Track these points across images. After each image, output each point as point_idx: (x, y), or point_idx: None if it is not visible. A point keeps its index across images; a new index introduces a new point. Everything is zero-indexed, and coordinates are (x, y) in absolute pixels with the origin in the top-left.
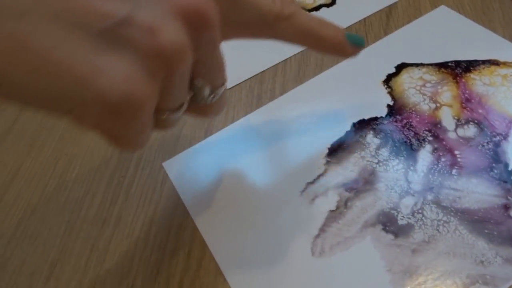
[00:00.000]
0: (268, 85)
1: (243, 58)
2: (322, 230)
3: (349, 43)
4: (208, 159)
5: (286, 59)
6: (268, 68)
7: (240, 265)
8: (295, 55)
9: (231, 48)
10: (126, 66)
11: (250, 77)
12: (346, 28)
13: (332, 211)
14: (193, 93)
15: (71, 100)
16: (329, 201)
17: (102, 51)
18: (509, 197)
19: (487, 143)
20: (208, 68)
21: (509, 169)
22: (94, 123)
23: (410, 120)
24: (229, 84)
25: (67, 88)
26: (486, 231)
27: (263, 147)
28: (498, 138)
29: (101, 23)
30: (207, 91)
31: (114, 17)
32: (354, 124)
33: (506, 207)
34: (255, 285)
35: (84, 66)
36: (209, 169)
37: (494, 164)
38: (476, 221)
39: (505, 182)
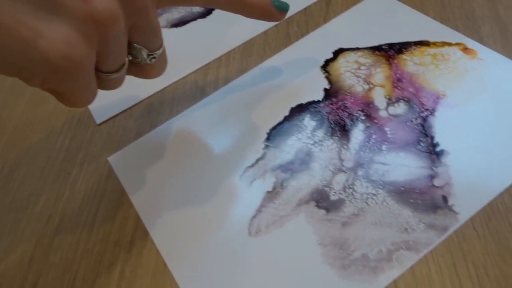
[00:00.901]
0: (212, 77)
1: (187, 52)
2: (259, 210)
3: (275, 8)
4: (153, 152)
5: (230, 50)
6: (212, 61)
7: (181, 252)
8: (238, 46)
9: (177, 41)
10: (64, 30)
11: (195, 70)
12: (288, 18)
13: (269, 192)
14: (132, 56)
15: (19, 61)
16: (266, 183)
17: (43, 17)
18: (434, 168)
19: (416, 118)
20: (143, 33)
21: (435, 142)
22: (41, 81)
23: (345, 102)
24: (174, 78)
25: (15, 50)
26: (411, 200)
27: (205, 137)
28: (425, 113)
29: None
30: (145, 53)
31: None
32: (292, 109)
33: (430, 177)
34: (196, 269)
35: (28, 30)
36: (154, 161)
37: (421, 138)
38: (402, 192)
39: (431, 154)
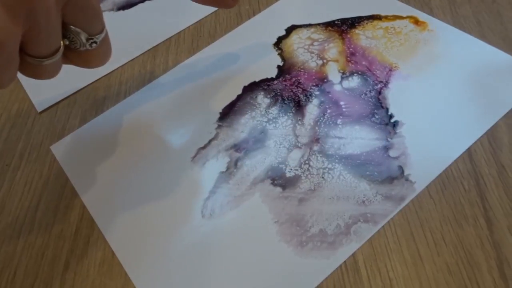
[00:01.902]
0: (161, 59)
1: (134, 35)
2: (212, 192)
3: None
4: (99, 138)
5: (180, 32)
6: (161, 42)
7: (130, 239)
8: (188, 27)
9: (124, 24)
10: None
11: (143, 53)
12: None
13: (222, 172)
14: (69, 40)
15: None
16: (220, 163)
17: None
18: (389, 139)
19: (370, 91)
20: (79, 12)
21: (389, 113)
22: None
23: (299, 78)
24: (121, 61)
25: None
26: (367, 173)
27: (155, 120)
28: (379, 85)
29: None
30: (83, 37)
31: None
32: (245, 87)
33: (386, 148)
34: (147, 256)
35: None
36: (100, 148)
37: (375, 110)
38: (359, 164)
39: (386, 125)
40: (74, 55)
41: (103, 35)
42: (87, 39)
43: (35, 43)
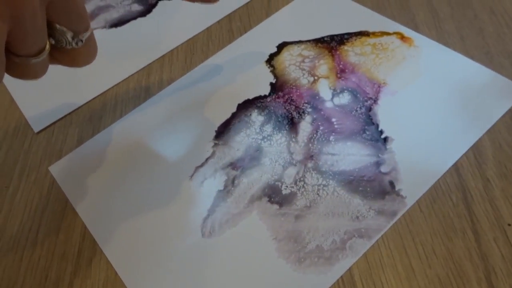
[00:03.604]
0: (155, 77)
1: (128, 53)
2: (211, 210)
3: None
4: (97, 158)
5: (173, 49)
6: (155, 60)
7: (132, 259)
8: (181, 44)
9: (116, 42)
10: None
11: (137, 71)
12: (230, 13)
13: (220, 190)
14: (55, 39)
15: None
16: (217, 182)
17: None
18: (380, 155)
19: (360, 107)
20: (63, 11)
21: (379, 129)
22: None
23: (291, 95)
24: (116, 80)
25: None
26: (360, 188)
27: (152, 139)
28: (369, 102)
29: None
30: (69, 36)
31: None
32: (239, 105)
33: (377, 164)
34: (149, 276)
35: None
36: (98, 167)
37: (366, 126)
38: (351, 181)
39: (377, 141)
40: (61, 54)
41: (88, 33)
42: (73, 38)
43: (21, 42)
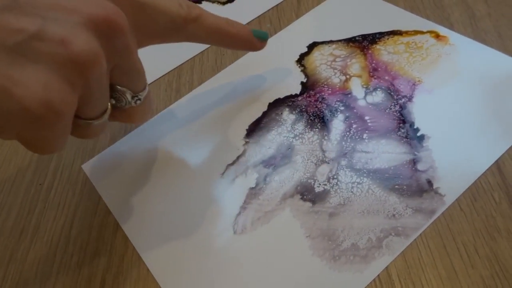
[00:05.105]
0: (186, 78)
1: (160, 54)
2: (243, 207)
3: (255, 38)
4: (129, 156)
5: (203, 50)
6: (185, 62)
7: (164, 256)
8: (211, 46)
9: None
10: (43, 76)
11: (168, 72)
12: (260, 15)
13: (252, 188)
14: (115, 100)
15: None
16: (249, 179)
17: (19, 64)
18: (416, 153)
19: (394, 105)
20: (126, 74)
21: (415, 127)
22: (15, 133)
23: (323, 94)
24: (148, 80)
25: None
26: (396, 186)
27: (183, 137)
28: (403, 100)
29: (14, 38)
30: (128, 96)
31: (26, 32)
32: (270, 104)
33: (413, 162)
34: (181, 273)
35: (2, 79)
36: (130, 166)
37: (401, 124)
38: (387, 178)
39: (412, 139)
40: (119, 112)
41: (146, 91)
42: (132, 97)
43: (87, 107)
